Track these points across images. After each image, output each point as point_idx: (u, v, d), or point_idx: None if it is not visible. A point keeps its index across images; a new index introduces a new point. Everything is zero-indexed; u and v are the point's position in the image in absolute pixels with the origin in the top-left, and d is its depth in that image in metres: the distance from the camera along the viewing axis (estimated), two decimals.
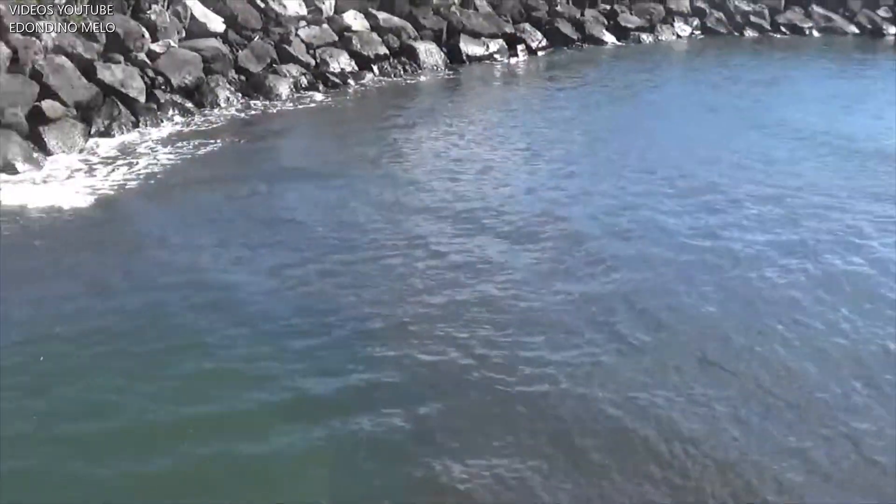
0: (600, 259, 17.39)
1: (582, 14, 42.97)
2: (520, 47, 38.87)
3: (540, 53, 39.51)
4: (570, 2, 42.93)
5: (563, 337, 14.33)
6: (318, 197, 20.66)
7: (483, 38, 37.65)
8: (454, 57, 36.21)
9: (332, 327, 14.53)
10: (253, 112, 27.92)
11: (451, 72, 35.19)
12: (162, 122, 25.85)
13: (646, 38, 44.33)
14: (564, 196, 21.00)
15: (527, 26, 40.04)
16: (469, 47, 36.86)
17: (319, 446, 11.59)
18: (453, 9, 37.37)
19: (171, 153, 23.58)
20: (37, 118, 23.01)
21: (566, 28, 41.54)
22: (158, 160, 22.98)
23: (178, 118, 26.38)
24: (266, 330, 14.43)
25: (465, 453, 11.40)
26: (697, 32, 46.82)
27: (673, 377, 13.22)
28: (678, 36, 45.91)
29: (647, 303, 15.55)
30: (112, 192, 20.75)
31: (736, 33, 47.42)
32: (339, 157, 23.89)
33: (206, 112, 27.28)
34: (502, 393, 12.77)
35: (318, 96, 30.30)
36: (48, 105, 23.30)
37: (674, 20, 46.25)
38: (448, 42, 36.61)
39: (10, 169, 21.32)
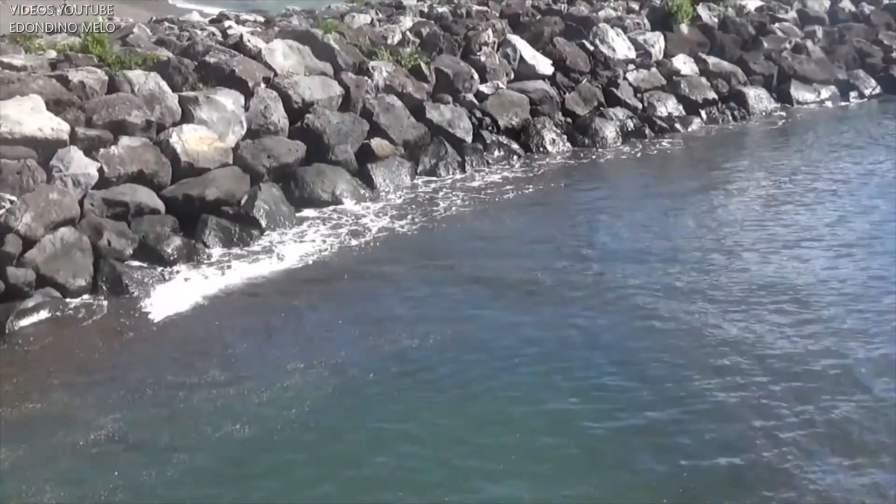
0: None
1: None
2: (852, 94, 35.49)
3: (873, 101, 35.93)
4: None
5: None
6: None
7: (815, 84, 34.56)
8: (784, 102, 33.35)
9: None
10: (581, 159, 25.99)
11: (781, 118, 32.26)
12: (488, 162, 24.44)
13: None
14: None
15: (860, 73, 36.52)
16: (800, 93, 33.85)
17: None
18: (784, 54, 34.52)
19: (496, 194, 22.13)
20: (366, 155, 22.10)
21: None
22: (482, 198, 21.58)
23: (503, 159, 24.91)
24: None
25: None
26: None
27: None
28: None
29: None
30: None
31: None
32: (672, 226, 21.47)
33: (532, 154, 25.66)
34: None
35: (645, 142, 28.19)
36: (377, 143, 22.37)
37: None
38: (778, 87, 33.79)
39: (338, 203, 20.55)
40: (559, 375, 13.19)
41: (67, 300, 15.68)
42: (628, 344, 14.17)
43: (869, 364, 13.37)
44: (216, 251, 17.94)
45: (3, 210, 15.79)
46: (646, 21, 33.22)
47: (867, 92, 35.67)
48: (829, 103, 34.32)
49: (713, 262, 17.52)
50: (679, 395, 12.61)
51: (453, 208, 20.99)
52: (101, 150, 18.10)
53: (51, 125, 17.51)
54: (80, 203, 17.22)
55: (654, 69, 31.07)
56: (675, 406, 12.32)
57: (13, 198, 16.05)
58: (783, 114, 32.42)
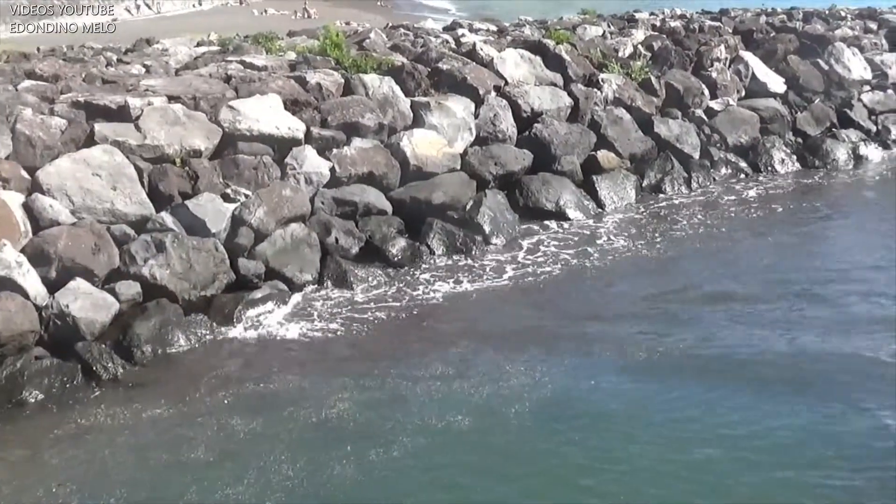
0: None
1: None
2: None
3: None
4: None
5: None
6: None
7: None
8: None
9: None
10: (811, 180, 24.30)
11: None
12: (714, 180, 23.20)
13: None
14: None
15: None
16: None
17: None
18: None
19: (725, 213, 20.91)
20: (591, 167, 21.27)
21: None
22: (711, 219, 20.43)
23: (730, 177, 23.63)
24: None
25: None
26: None
27: None
28: None
29: None
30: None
31: None
32: None
33: (760, 174, 24.21)
34: None
35: (879, 155, 26.43)
36: (603, 155, 21.51)
37: None
38: None
39: (562, 214, 19.82)
40: None
41: (293, 293, 15.53)
42: None
43: None
44: (440, 256, 17.49)
45: (239, 203, 15.78)
46: (883, 41, 31.19)
47: None
48: None
49: None
50: None
51: (680, 227, 19.84)
52: (334, 150, 17.96)
53: (287, 124, 17.47)
54: (311, 200, 17.11)
55: (890, 91, 29.07)
56: None
57: (248, 192, 16.03)
58: None
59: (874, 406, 11.83)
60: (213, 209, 15.53)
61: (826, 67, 28.48)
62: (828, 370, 12.91)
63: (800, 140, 26.16)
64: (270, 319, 14.66)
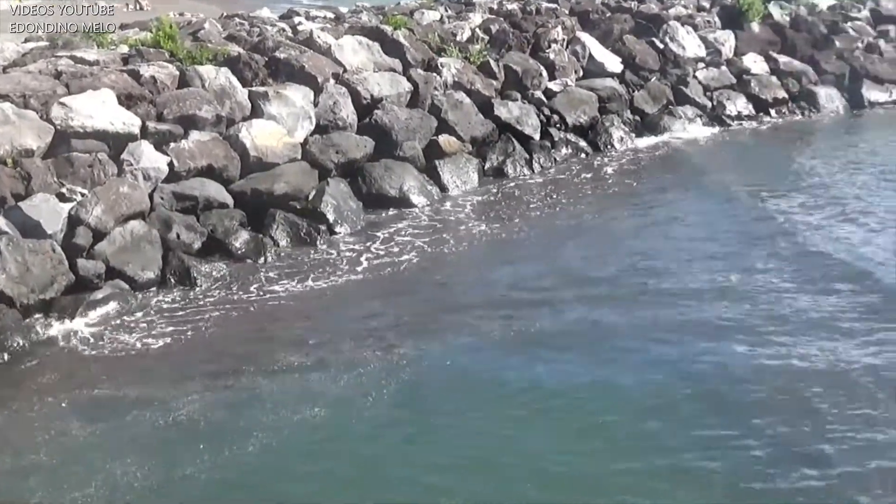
0: None
1: None
2: None
3: None
4: None
5: None
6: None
7: (887, 84, 33.65)
8: (855, 102, 32.54)
9: None
10: (649, 155, 25.54)
11: (852, 117, 31.57)
12: (555, 160, 24.06)
13: None
14: None
15: None
16: (871, 93, 32.98)
17: None
18: (857, 53, 33.73)
19: (565, 192, 21.84)
20: (433, 152, 21.87)
21: None
22: (552, 198, 21.32)
23: (571, 157, 24.57)
24: None
25: None
26: None
27: None
28: None
29: None
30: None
31: None
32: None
33: (600, 152, 25.26)
34: None
35: (713, 131, 28.04)
36: (445, 140, 22.12)
37: None
38: (850, 87, 32.99)
39: (406, 199, 20.36)
40: None
41: (136, 292, 15.61)
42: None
43: None
44: (285, 248, 17.76)
45: (75, 203, 15.80)
46: (716, 19, 32.69)
47: None
48: None
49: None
50: None
51: (526, 209, 20.63)
52: (172, 145, 18.04)
53: (122, 119, 17.47)
54: (150, 196, 17.17)
55: (724, 68, 30.63)
56: None
57: (84, 191, 16.06)
58: (854, 112, 31.72)
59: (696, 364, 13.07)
60: (48, 210, 15.47)
61: (661, 46, 29.78)
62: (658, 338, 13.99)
63: (638, 118, 27.29)
64: (113, 320, 14.67)
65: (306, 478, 10.64)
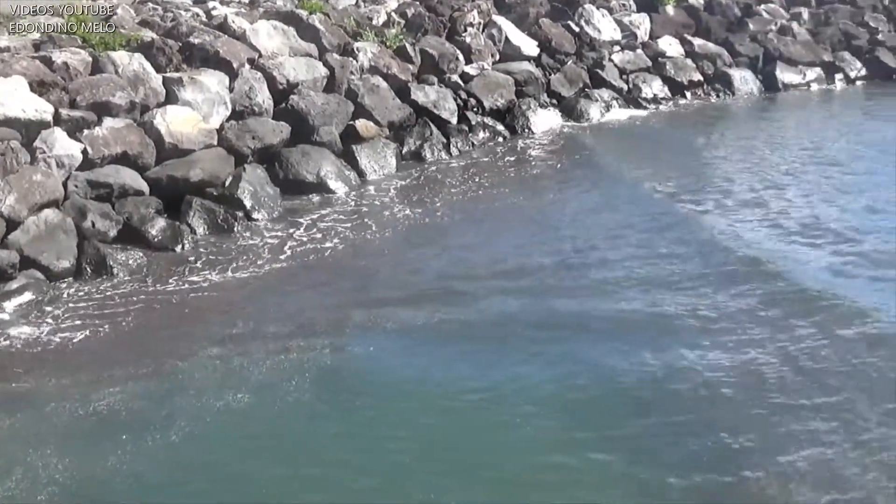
0: None
1: None
2: (837, 76, 35.49)
3: (858, 83, 35.90)
4: (894, 30, 38.96)
5: None
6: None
7: (800, 66, 34.54)
8: (769, 84, 33.38)
9: None
10: (566, 138, 26.07)
11: (766, 99, 32.43)
12: (473, 144, 24.41)
13: None
14: None
15: (846, 55, 36.45)
16: (785, 75, 33.84)
17: None
18: (770, 36, 34.55)
19: (481, 176, 22.19)
20: (350, 137, 22.06)
21: (887, 57, 37.45)
22: (468, 182, 21.69)
23: (488, 140, 24.97)
24: None
25: None
26: None
27: None
28: None
29: None
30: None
31: None
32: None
33: (517, 136, 25.74)
34: None
35: (627, 114, 28.71)
36: (362, 124, 22.32)
37: None
38: (764, 69, 33.81)
39: (323, 184, 20.50)
40: None
41: (51, 282, 15.59)
42: None
43: None
44: (202, 235, 17.79)
45: None
46: (631, 2, 33.24)
47: (853, 74, 35.68)
48: (814, 85, 34.42)
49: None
50: None
51: (446, 194, 20.92)
52: (85, 132, 17.97)
53: (34, 106, 17.38)
54: (64, 184, 17.12)
55: (639, 51, 31.33)
56: None
57: None
58: (768, 94, 32.60)
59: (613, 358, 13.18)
60: None
61: (577, 29, 30.28)
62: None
63: (555, 101, 27.75)
64: (27, 311, 14.59)
65: (229, 463, 10.75)
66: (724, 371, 12.54)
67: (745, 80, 32.64)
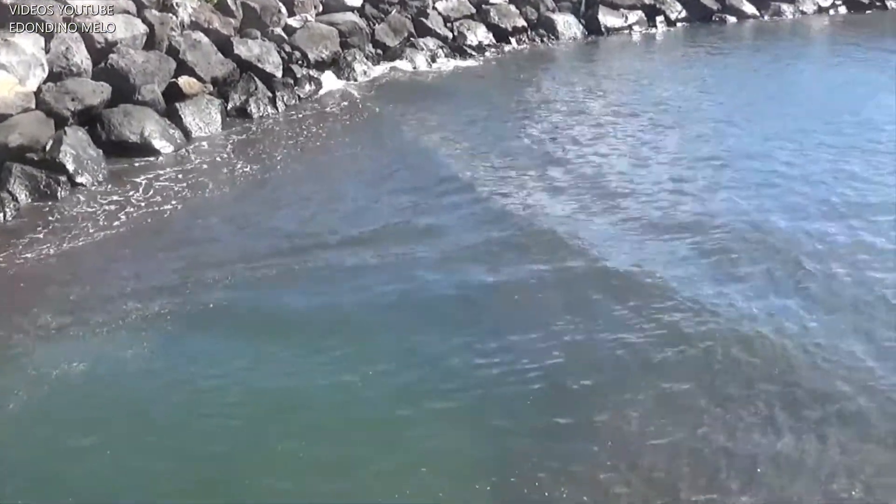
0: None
1: None
2: (658, 19, 36.83)
3: (679, 25, 37.32)
4: None
5: None
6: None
7: (622, 10, 35.77)
8: (592, 28, 34.50)
9: None
10: (392, 86, 26.63)
11: (589, 43, 33.53)
12: (300, 97, 24.71)
13: (786, 8, 41.17)
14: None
15: None
16: (607, 18, 35.07)
17: None
18: None
19: (308, 129, 22.58)
20: (174, 95, 22.09)
21: None
22: (295, 136, 22.04)
23: (315, 93, 25.39)
24: None
25: None
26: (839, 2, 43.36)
27: None
28: (819, 8, 42.54)
29: None
30: None
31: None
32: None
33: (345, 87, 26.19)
34: None
35: (455, 62, 29.46)
36: (185, 81, 22.37)
37: None
38: (586, 13, 34.86)
39: (147, 145, 20.46)
40: None
41: None
42: None
43: None
44: (25, 203, 17.54)
45: None
46: None
47: (673, 16, 37.07)
48: (636, 27, 35.64)
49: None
50: None
51: (275, 149, 21.19)
52: None
53: None
54: None
55: None
56: None
57: None
58: (591, 38, 33.72)
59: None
60: None
61: None
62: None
63: (380, 51, 28.22)
64: None
65: (67, 429, 10.89)
66: None
67: (568, 25, 33.67)
